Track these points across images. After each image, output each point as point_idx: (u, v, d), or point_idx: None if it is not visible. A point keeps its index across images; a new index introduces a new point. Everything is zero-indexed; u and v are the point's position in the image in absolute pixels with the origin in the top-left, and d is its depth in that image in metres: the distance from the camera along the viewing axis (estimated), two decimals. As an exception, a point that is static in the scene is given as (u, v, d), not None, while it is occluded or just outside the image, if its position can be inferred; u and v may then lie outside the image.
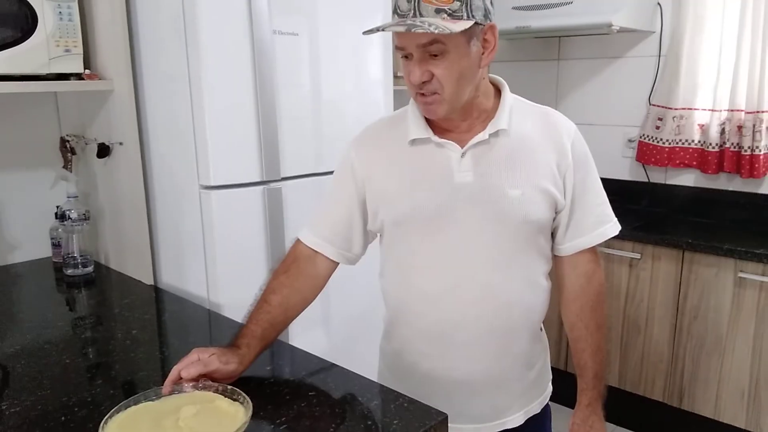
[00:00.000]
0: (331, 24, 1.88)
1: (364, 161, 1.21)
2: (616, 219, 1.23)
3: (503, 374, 1.21)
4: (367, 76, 2.03)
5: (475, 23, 1.03)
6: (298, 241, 1.26)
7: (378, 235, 1.27)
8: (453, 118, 1.13)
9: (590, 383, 1.25)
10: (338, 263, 1.25)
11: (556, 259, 1.24)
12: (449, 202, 1.13)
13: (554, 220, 1.18)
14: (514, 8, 2.80)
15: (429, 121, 1.16)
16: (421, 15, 1.00)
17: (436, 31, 0.98)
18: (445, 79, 1.05)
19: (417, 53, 1.04)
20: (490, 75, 1.17)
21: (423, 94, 1.08)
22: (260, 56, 1.69)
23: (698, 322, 2.36)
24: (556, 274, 1.25)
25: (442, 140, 1.14)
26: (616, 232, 1.22)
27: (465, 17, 1.01)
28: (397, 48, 1.07)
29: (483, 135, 1.12)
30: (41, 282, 1.87)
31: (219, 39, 1.64)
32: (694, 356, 2.39)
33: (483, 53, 1.08)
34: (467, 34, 1.03)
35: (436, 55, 1.04)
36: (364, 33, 1.09)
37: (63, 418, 1.05)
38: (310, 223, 1.26)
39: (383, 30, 1.04)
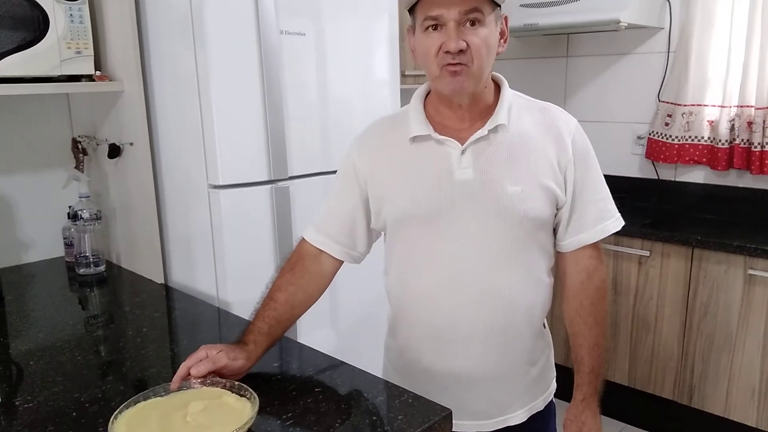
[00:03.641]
0: (337, 24, 1.89)
1: (366, 160, 1.22)
2: (618, 215, 1.23)
3: (504, 371, 1.21)
4: (374, 76, 2.04)
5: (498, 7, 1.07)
6: (303, 239, 1.28)
7: (382, 233, 1.28)
8: (462, 106, 1.14)
9: (586, 378, 1.24)
10: (343, 261, 1.27)
11: (557, 255, 1.24)
12: (450, 199, 1.14)
13: (555, 216, 1.19)
14: (522, 6, 2.80)
15: (430, 119, 1.17)
16: None
17: None
18: (479, 50, 1.06)
19: (456, 20, 1.04)
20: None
21: (451, 65, 1.07)
22: (267, 56, 1.70)
23: (708, 320, 2.36)
24: (557, 270, 1.26)
25: (443, 137, 1.15)
26: (618, 228, 1.21)
27: None
28: (429, 18, 1.06)
29: (482, 131, 1.13)
30: (54, 281, 1.90)
31: (226, 40, 1.65)
32: (704, 354, 2.38)
33: (499, 40, 1.11)
34: (495, 14, 1.08)
35: (473, 24, 1.05)
36: None
37: (74, 413, 1.08)
38: (315, 222, 1.28)
39: None
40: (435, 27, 1.06)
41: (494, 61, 1.12)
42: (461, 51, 1.05)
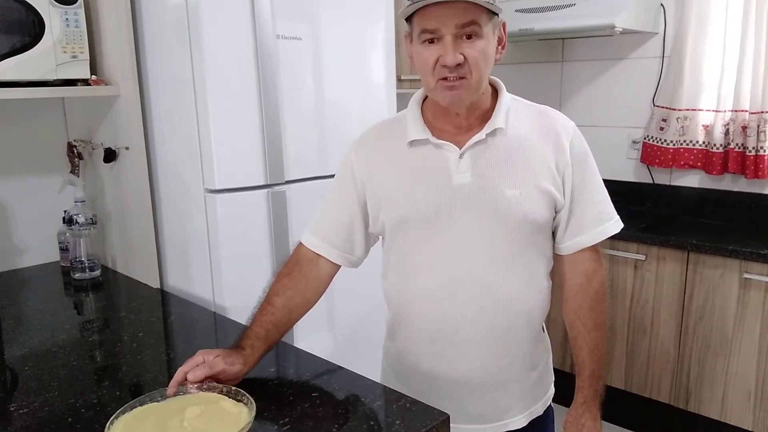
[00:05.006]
0: (333, 28, 1.89)
1: (363, 164, 1.22)
2: (617, 217, 1.23)
3: (504, 374, 1.21)
4: (370, 80, 2.04)
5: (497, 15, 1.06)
6: (300, 244, 1.27)
7: (380, 237, 1.28)
8: (460, 114, 1.14)
9: (586, 381, 1.24)
10: (341, 266, 1.26)
11: (556, 258, 1.24)
12: (448, 203, 1.13)
13: (554, 219, 1.19)
14: (517, 11, 2.81)
15: (427, 123, 1.17)
16: None
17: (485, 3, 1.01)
18: (476, 62, 1.05)
19: (452, 34, 1.03)
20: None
21: (448, 79, 1.06)
22: (264, 60, 1.70)
23: (704, 324, 2.36)
24: (556, 273, 1.25)
25: (440, 141, 1.15)
26: (617, 230, 1.21)
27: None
28: (426, 31, 1.05)
29: (480, 135, 1.13)
30: (49, 286, 1.89)
31: (223, 44, 1.65)
32: (700, 357, 2.39)
33: (497, 47, 1.11)
34: (493, 23, 1.07)
35: (470, 37, 1.04)
36: (407, 8, 1.05)
37: (70, 419, 1.07)
38: (312, 226, 1.27)
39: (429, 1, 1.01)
40: (432, 40, 1.06)
41: (492, 67, 1.12)
42: (459, 64, 1.05)
